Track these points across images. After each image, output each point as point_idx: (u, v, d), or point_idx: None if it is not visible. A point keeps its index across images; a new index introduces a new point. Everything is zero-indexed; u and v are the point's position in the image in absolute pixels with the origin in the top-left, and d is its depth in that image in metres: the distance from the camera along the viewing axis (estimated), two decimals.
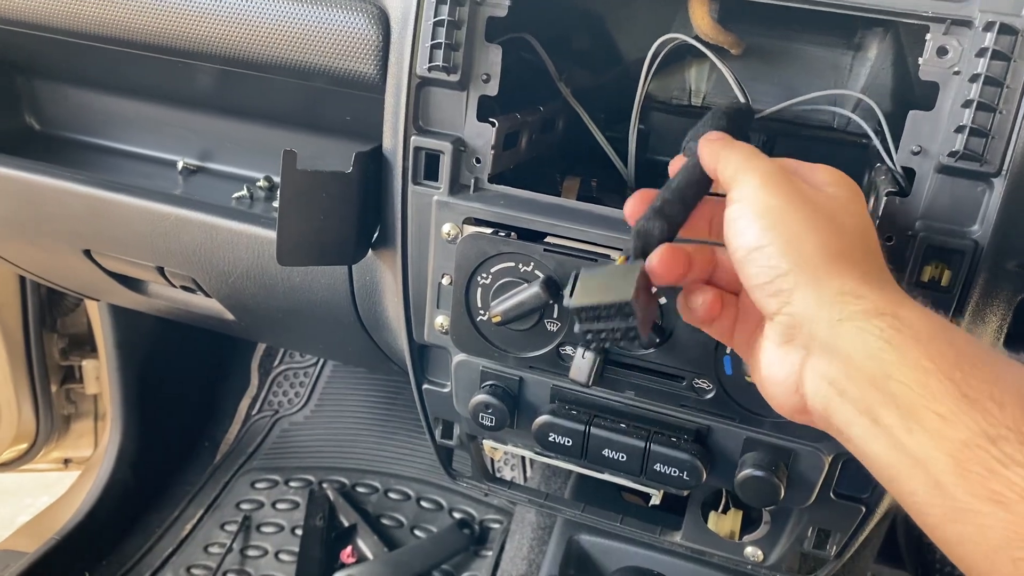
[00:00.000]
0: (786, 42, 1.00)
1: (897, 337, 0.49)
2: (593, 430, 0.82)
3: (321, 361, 2.15)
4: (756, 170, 0.58)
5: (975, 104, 0.66)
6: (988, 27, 0.65)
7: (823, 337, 0.53)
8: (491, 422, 0.87)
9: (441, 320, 0.88)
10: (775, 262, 0.55)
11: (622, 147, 1.00)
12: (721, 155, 0.63)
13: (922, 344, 0.49)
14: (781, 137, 1.06)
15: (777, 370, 0.57)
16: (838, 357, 0.52)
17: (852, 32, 0.97)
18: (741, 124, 0.82)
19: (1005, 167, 0.67)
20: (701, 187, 0.65)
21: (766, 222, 0.56)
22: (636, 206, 0.66)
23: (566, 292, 0.62)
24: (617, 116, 1.08)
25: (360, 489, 1.91)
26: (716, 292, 0.63)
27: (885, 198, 0.72)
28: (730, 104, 0.83)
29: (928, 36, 0.68)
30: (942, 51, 0.67)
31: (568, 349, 0.82)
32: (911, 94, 0.93)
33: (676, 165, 0.69)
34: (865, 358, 0.50)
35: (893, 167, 0.75)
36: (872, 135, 0.82)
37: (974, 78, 0.66)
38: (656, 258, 0.60)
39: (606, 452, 0.82)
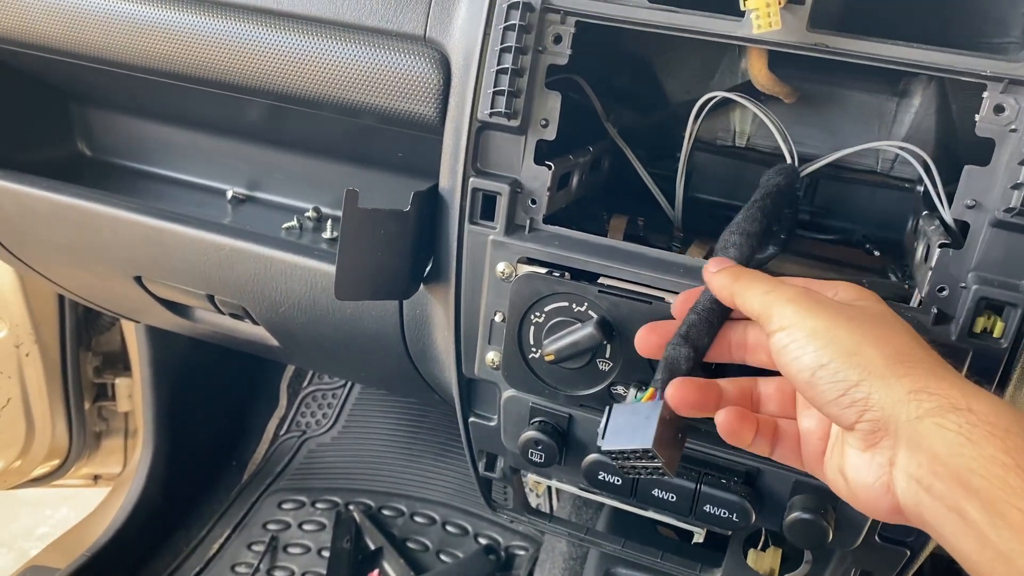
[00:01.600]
0: (830, 87, 1.02)
1: (974, 432, 0.51)
2: None
3: (349, 383, 2.16)
4: (788, 298, 0.62)
5: None
6: None
7: (906, 435, 0.54)
8: (540, 458, 0.88)
9: (492, 356, 0.90)
10: (843, 375, 0.57)
11: (664, 184, 1.02)
12: (737, 289, 0.66)
13: (999, 438, 0.51)
14: (823, 180, 1.07)
15: (866, 475, 0.58)
16: (923, 453, 0.53)
17: (897, 79, 0.99)
18: (782, 207, 0.85)
19: None
20: (726, 310, 0.69)
21: (820, 342, 0.58)
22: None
23: (599, 430, 0.66)
24: (659, 153, 1.10)
25: (386, 512, 1.92)
26: (737, 411, 0.66)
27: (939, 249, 0.73)
28: (767, 185, 0.84)
29: (985, 94, 0.69)
30: (999, 109, 0.69)
31: (620, 389, 0.83)
32: (954, 141, 0.94)
33: (681, 303, 0.72)
34: (948, 454, 0.52)
35: (945, 218, 0.76)
36: (925, 178, 0.84)
37: None
38: (672, 391, 0.64)
39: (656, 492, 0.84)
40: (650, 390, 0.67)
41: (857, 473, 0.59)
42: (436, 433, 2.01)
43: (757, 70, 0.87)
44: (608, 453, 0.64)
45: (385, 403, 2.14)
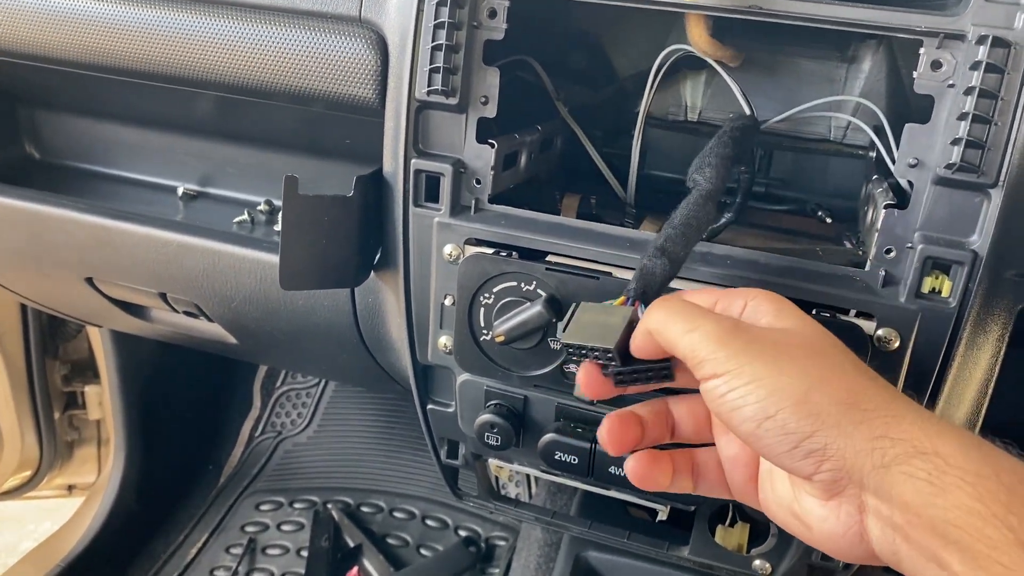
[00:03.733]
0: (780, 56, 1.01)
1: (944, 479, 0.48)
2: (599, 447, 0.82)
3: (323, 381, 2.15)
4: (717, 338, 0.55)
5: (970, 116, 0.66)
6: (981, 40, 0.66)
7: (873, 485, 0.51)
8: (496, 441, 0.87)
9: (444, 340, 0.89)
10: (793, 427, 0.52)
11: (619, 163, 1.01)
12: (655, 327, 0.59)
13: (969, 484, 0.48)
14: (778, 150, 1.07)
15: (833, 525, 0.55)
16: (894, 503, 0.50)
17: (846, 45, 0.98)
18: (747, 141, 0.83)
19: (1002, 178, 0.67)
20: (703, 222, 0.66)
21: (764, 391, 0.53)
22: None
23: (561, 324, 0.63)
24: (614, 133, 1.09)
25: (365, 509, 1.91)
26: (648, 455, 0.64)
27: (884, 210, 0.73)
28: (734, 122, 0.83)
29: (922, 50, 0.68)
30: (936, 64, 0.68)
31: (572, 367, 0.82)
32: (906, 106, 0.93)
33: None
34: (920, 504, 0.49)
35: (893, 178, 0.75)
36: (877, 142, 0.83)
37: (969, 91, 0.66)
38: (603, 429, 0.62)
39: (612, 469, 0.82)
40: (620, 298, 0.64)
41: (823, 524, 0.56)
42: (413, 428, 1.99)
43: (697, 36, 0.86)
44: (568, 346, 0.62)
45: (360, 400, 2.12)
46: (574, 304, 0.64)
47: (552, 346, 0.82)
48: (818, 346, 0.56)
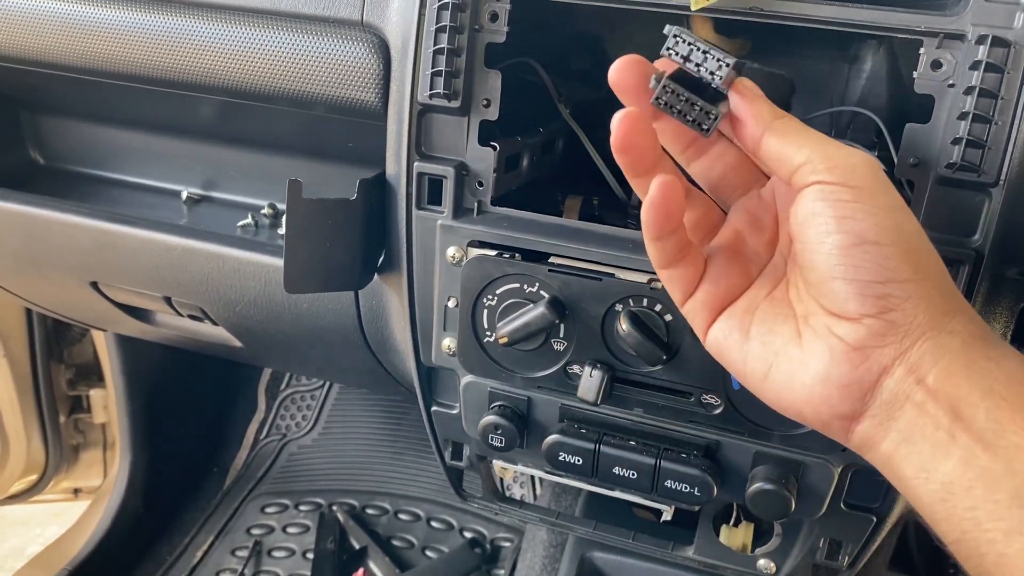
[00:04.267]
0: (782, 56, 1.01)
1: (1000, 371, 0.50)
2: (603, 448, 0.83)
3: (327, 384, 2.15)
4: (859, 158, 0.53)
5: (971, 116, 0.67)
6: (981, 40, 0.66)
7: (931, 344, 0.51)
8: (501, 443, 0.87)
9: (448, 342, 0.89)
10: (895, 264, 0.51)
11: None
12: (779, 126, 0.55)
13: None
14: None
15: (845, 371, 0.53)
16: (940, 367, 0.51)
17: (847, 45, 0.98)
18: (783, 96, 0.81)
19: (1003, 177, 0.68)
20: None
21: (889, 220, 0.51)
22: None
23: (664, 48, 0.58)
24: None
25: (370, 511, 1.91)
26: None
27: None
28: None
29: (922, 50, 0.69)
30: (936, 64, 0.68)
31: (575, 368, 0.82)
32: (908, 104, 0.93)
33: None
34: (974, 374, 0.50)
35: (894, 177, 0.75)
36: (878, 142, 0.83)
37: (969, 90, 0.67)
38: (655, 189, 0.56)
39: (616, 470, 0.83)
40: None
41: (832, 369, 0.53)
42: (417, 430, 2.00)
43: (704, 34, 0.86)
44: (678, 38, 0.57)
45: (365, 402, 2.13)
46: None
47: (555, 347, 0.82)
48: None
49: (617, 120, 0.56)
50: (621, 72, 0.59)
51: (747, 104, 0.56)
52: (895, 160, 0.76)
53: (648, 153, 0.58)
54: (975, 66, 0.66)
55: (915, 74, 0.69)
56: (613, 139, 0.57)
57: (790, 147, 0.54)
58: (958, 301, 0.54)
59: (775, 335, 0.58)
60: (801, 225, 0.54)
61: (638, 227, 0.95)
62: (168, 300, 1.15)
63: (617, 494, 0.94)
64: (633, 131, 0.56)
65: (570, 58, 1.11)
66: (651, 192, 0.56)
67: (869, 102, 0.97)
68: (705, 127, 0.57)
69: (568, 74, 1.11)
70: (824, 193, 0.52)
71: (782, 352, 0.57)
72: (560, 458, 0.84)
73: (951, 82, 0.68)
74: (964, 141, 0.67)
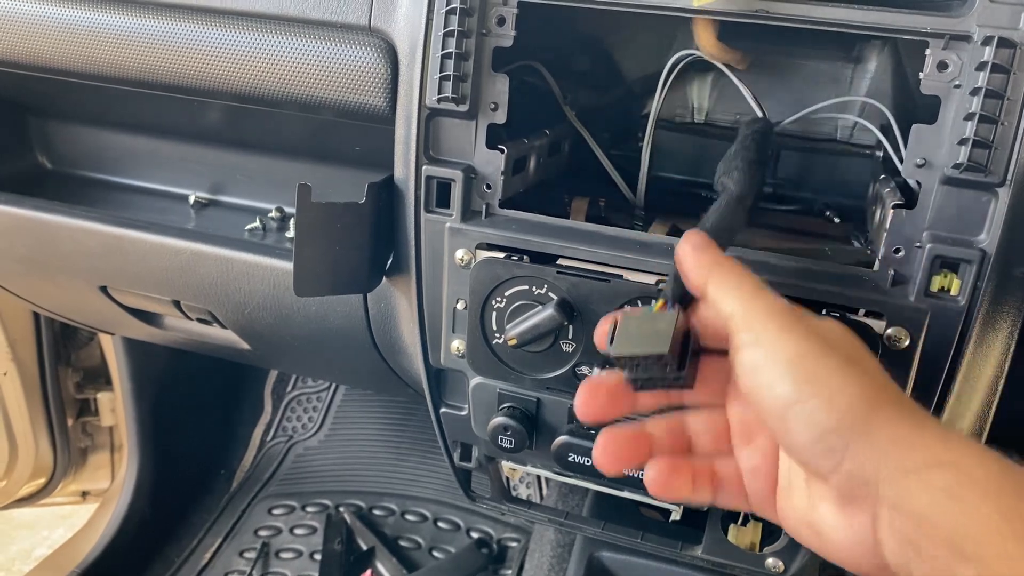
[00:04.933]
0: (786, 57, 1.01)
1: (964, 492, 0.47)
2: None
3: (334, 385, 2.16)
4: (771, 311, 0.55)
5: (977, 117, 0.67)
6: (987, 41, 0.66)
7: (890, 493, 0.50)
8: (510, 444, 0.88)
9: (457, 344, 0.89)
10: (820, 417, 0.51)
11: (626, 165, 1.01)
12: (714, 280, 0.58)
13: (991, 499, 0.47)
14: (785, 151, 1.07)
15: (848, 535, 0.54)
16: (910, 515, 0.49)
17: (851, 46, 0.98)
18: (768, 144, 0.84)
19: (1009, 177, 0.68)
20: (735, 226, 0.66)
21: (800, 373, 0.52)
22: None
23: (607, 337, 0.62)
24: (621, 136, 1.09)
25: (377, 512, 1.92)
26: (667, 463, 0.62)
27: (892, 210, 0.73)
28: (752, 125, 0.83)
29: (928, 51, 0.69)
30: (942, 65, 0.69)
31: (584, 369, 0.82)
32: (912, 104, 0.94)
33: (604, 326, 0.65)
34: (937, 515, 0.47)
35: (900, 177, 0.76)
36: (884, 141, 0.83)
37: (975, 91, 0.67)
38: (599, 449, 0.61)
39: (626, 470, 0.83)
40: (660, 301, 0.62)
41: (837, 534, 0.54)
42: (424, 430, 2.01)
43: (704, 40, 0.86)
44: (619, 359, 0.60)
45: (371, 403, 2.13)
46: (615, 319, 0.63)
47: (564, 349, 0.83)
48: (858, 352, 0.56)
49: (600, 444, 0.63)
50: (586, 408, 0.62)
51: (688, 264, 0.60)
52: (899, 159, 0.77)
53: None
54: (981, 67, 0.67)
55: (921, 75, 0.70)
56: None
57: (721, 304, 0.57)
58: (907, 417, 0.52)
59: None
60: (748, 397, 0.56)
61: (645, 228, 0.96)
62: (177, 304, 1.15)
63: (626, 494, 0.94)
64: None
65: (573, 60, 1.12)
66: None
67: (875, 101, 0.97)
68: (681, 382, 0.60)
69: (571, 76, 1.12)
70: (742, 364, 0.55)
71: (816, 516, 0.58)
72: (570, 459, 0.85)
73: (957, 83, 0.68)
74: (971, 141, 0.67)
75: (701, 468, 0.63)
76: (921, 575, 0.49)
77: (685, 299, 0.62)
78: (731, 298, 0.57)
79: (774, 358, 0.53)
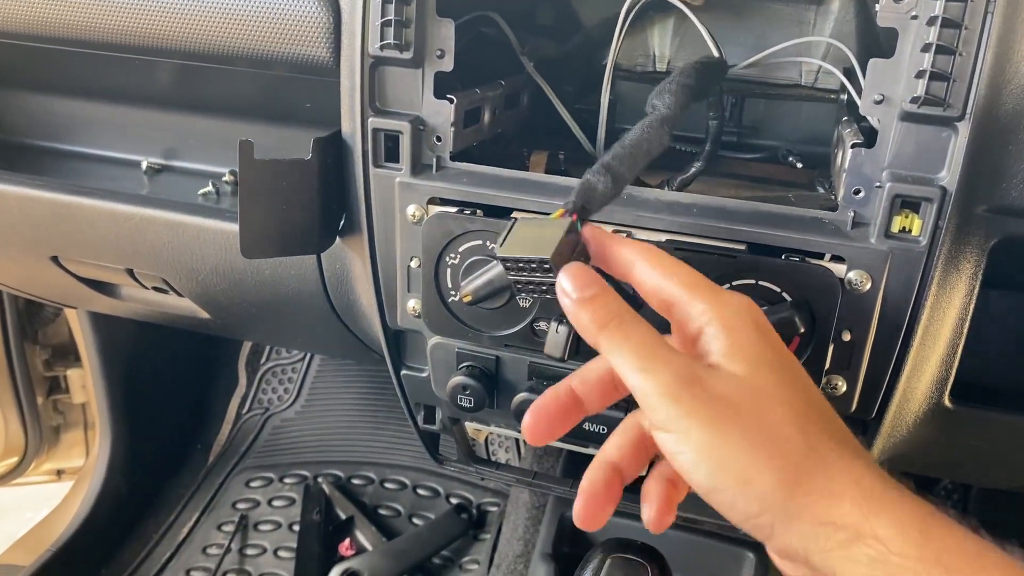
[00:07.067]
0: (747, 1, 0.99)
1: (885, 566, 0.49)
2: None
3: (308, 356, 2.13)
4: (668, 392, 0.52)
5: (934, 47, 0.64)
6: None
7: (819, 565, 0.51)
8: (469, 403, 0.86)
9: (413, 304, 0.87)
10: (741, 506, 0.52)
11: (590, 118, 0.99)
12: (606, 345, 0.55)
13: (910, 569, 0.48)
14: (750, 98, 1.05)
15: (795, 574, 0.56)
16: None
17: None
18: (713, 76, 0.81)
19: (969, 110, 0.66)
20: (654, 146, 0.64)
21: (711, 463, 0.52)
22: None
23: (498, 240, 0.61)
24: (584, 88, 1.06)
25: (355, 481, 1.91)
26: (658, 509, 0.63)
27: (851, 150, 0.71)
28: (701, 59, 0.81)
29: None
30: None
31: (542, 324, 0.80)
32: (876, 45, 0.91)
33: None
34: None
35: (865, 121, 0.74)
36: (847, 84, 0.81)
37: (932, 21, 0.64)
38: (579, 508, 0.62)
39: (587, 425, 0.81)
40: (559, 211, 0.62)
41: (784, 567, 0.56)
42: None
43: None
44: (504, 260, 0.59)
45: (346, 373, 2.11)
46: (511, 220, 0.62)
47: (521, 304, 0.80)
48: (767, 402, 0.54)
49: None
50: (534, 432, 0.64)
51: (584, 322, 0.57)
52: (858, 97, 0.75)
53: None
54: None
55: (878, 6, 0.67)
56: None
57: (621, 374, 0.56)
58: (826, 487, 0.52)
59: None
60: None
61: None
62: (131, 272, 1.12)
63: (591, 451, 0.92)
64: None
65: (533, 10, 1.09)
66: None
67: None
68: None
69: (534, 29, 1.09)
70: (660, 443, 0.54)
71: None
72: None
73: (914, 13, 0.66)
74: (928, 74, 0.65)
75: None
76: None
77: (586, 209, 0.61)
78: (627, 372, 0.54)
79: (682, 447, 0.52)
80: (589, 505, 0.62)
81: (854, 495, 0.51)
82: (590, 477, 0.63)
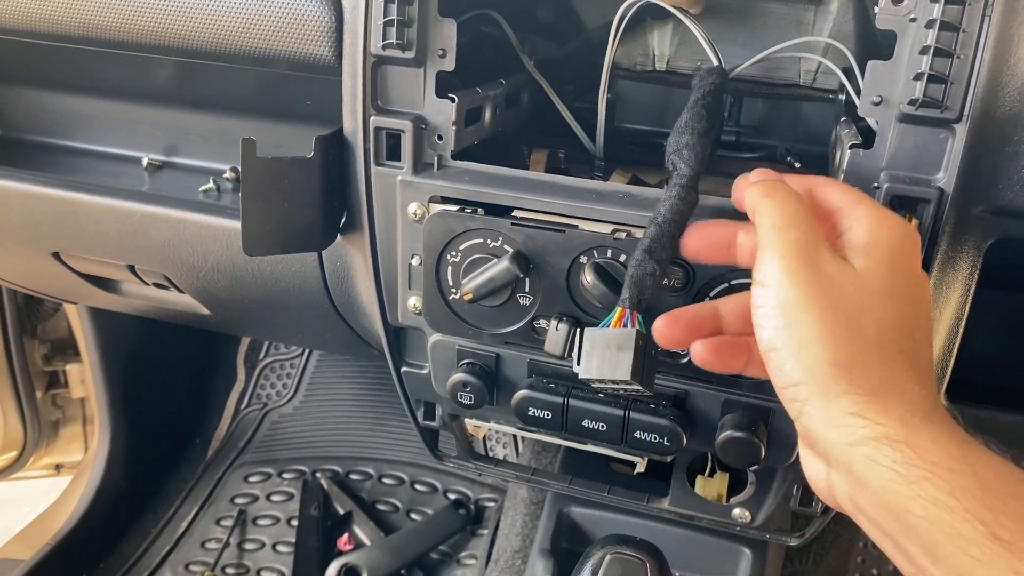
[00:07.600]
0: (746, 1, 0.99)
1: (911, 471, 0.48)
2: (571, 402, 0.82)
3: (307, 351, 2.14)
4: (783, 250, 0.55)
5: (932, 50, 0.65)
6: None
7: (837, 457, 0.51)
8: (470, 400, 0.86)
9: (414, 301, 0.88)
10: (788, 369, 0.53)
11: (591, 118, 0.99)
12: (762, 208, 0.59)
13: (940, 477, 0.47)
14: (749, 97, 1.05)
15: (810, 470, 0.57)
16: (855, 481, 0.50)
17: None
18: (720, 103, 0.82)
19: (966, 112, 0.66)
20: (687, 213, 0.66)
21: (783, 320, 0.54)
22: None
23: (573, 356, 0.68)
24: (584, 88, 1.07)
25: (354, 476, 1.91)
26: (716, 344, 0.65)
27: (849, 150, 0.72)
28: (703, 83, 0.81)
29: None
30: None
31: (542, 322, 0.81)
32: (875, 46, 0.92)
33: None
34: (882, 490, 0.49)
35: (863, 121, 0.74)
36: (846, 83, 0.81)
37: (930, 24, 0.65)
38: (660, 332, 0.65)
39: (586, 423, 0.82)
40: (619, 310, 0.65)
41: (805, 463, 0.58)
42: (398, 394, 1.99)
43: None
44: (587, 381, 0.65)
45: (345, 369, 2.12)
46: (577, 331, 0.68)
47: (521, 302, 0.81)
48: (867, 300, 0.55)
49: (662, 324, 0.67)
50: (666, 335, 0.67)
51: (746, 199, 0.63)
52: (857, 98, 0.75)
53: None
54: None
55: (876, 9, 0.68)
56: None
57: (757, 232, 0.59)
58: (871, 385, 0.52)
59: None
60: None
61: (605, 178, 0.94)
62: (132, 268, 1.13)
63: (590, 447, 0.93)
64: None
65: (534, 10, 1.09)
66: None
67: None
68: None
69: (535, 28, 1.09)
70: (752, 297, 0.58)
71: None
72: (530, 413, 0.83)
73: (913, 16, 0.66)
74: (926, 76, 0.66)
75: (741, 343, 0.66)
76: (869, 531, 0.52)
77: (642, 302, 0.65)
78: (762, 231, 0.58)
79: (767, 301, 0.55)
80: (680, 318, 0.65)
81: (897, 404, 0.51)
82: (693, 307, 0.68)
